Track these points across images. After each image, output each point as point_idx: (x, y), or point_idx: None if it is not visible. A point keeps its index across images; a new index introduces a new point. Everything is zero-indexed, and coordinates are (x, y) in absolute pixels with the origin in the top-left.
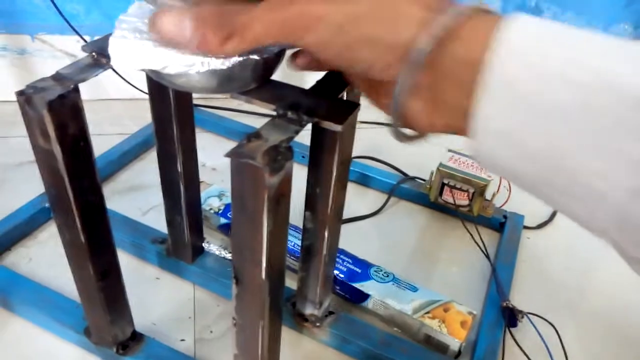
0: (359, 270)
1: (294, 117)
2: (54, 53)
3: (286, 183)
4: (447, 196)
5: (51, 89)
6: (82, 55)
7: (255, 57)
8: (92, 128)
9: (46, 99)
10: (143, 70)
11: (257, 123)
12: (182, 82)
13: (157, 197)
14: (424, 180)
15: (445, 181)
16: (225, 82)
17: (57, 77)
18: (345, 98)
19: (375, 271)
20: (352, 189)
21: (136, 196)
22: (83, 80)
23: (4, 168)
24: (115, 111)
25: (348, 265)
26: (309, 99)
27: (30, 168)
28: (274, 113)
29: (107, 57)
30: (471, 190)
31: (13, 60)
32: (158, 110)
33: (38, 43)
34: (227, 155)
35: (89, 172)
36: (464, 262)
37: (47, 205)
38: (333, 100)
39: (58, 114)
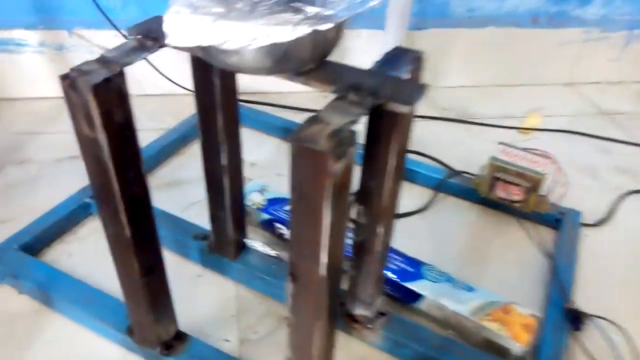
0: (411, 269)
1: (356, 98)
2: (91, 48)
3: (349, 171)
4: (499, 191)
5: (96, 72)
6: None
7: (318, 27)
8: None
9: (91, 83)
10: (200, 46)
11: (296, 117)
12: (235, 60)
13: (197, 193)
14: (472, 175)
15: (498, 175)
16: (282, 60)
17: (102, 60)
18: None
19: (428, 270)
20: None
21: (176, 192)
22: (129, 64)
23: (42, 164)
24: (151, 106)
25: (399, 263)
26: (370, 79)
27: (69, 164)
28: (312, 109)
29: (153, 39)
30: (525, 185)
31: (51, 56)
32: (202, 100)
33: (75, 38)
34: (288, 140)
35: (134, 163)
36: (519, 260)
37: (87, 200)
38: (397, 81)
39: (103, 99)
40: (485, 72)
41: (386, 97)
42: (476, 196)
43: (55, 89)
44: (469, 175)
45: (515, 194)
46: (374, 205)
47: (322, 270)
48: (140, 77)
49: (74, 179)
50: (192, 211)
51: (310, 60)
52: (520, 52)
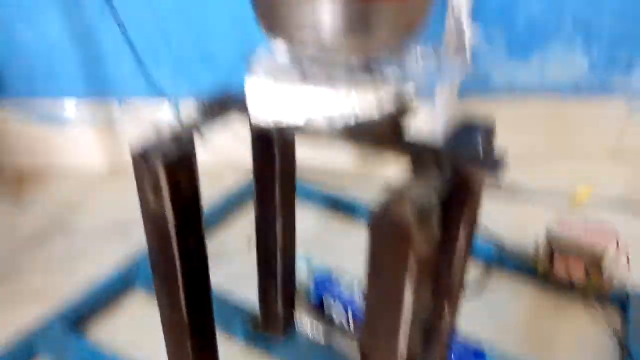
0: None
1: (434, 168)
2: (141, 118)
3: (432, 246)
4: (559, 268)
5: (168, 145)
6: (168, 120)
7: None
8: None
9: (165, 158)
10: (283, 124)
11: (333, 180)
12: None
13: (241, 266)
14: (526, 248)
15: (556, 251)
16: (363, 130)
17: (173, 131)
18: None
19: None
20: None
21: (219, 264)
22: (202, 135)
23: (86, 235)
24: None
25: (459, 351)
26: (446, 149)
27: (113, 234)
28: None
29: (224, 108)
30: (587, 261)
31: (99, 125)
32: (261, 169)
33: (125, 108)
34: (371, 216)
35: (197, 236)
36: (586, 345)
37: (131, 273)
38: (474, 151)
39: (175, 173)
40: (529, 143)
41: (466, 167)
42: (533, 272)
43: (101, 159)
44: (522, 251)
45: (576, 271)
46: (442, 282)
47: None
48: None
49: (117, 250)
50: (236, 283)
51: (390, 132)
52: (564, 123)
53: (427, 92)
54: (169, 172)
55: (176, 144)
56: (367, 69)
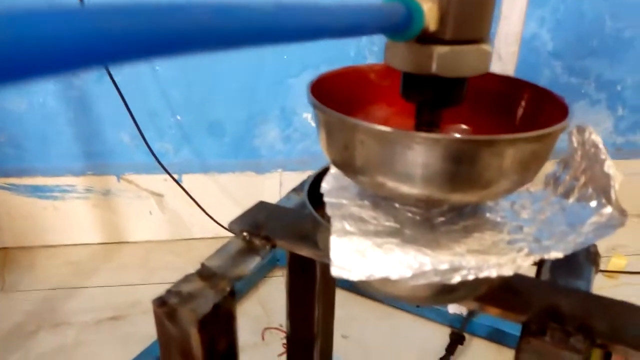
0: None
1: (561, 336)
2: (139, 193)
3: None
4: None
5: (202, 296)
6: (167, 194)
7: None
8: (177, 275)
9: (198, 314)
10: (372, 278)
11: None
12: (400, 292)
13: None
14: None
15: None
16: (457, 288)
17: (206, 275)
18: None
19: None
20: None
21: None
22: (240, 278)
23: (80, 327)
24: (198, 252)
25: None
26: (566, 298)
27: (110, 327)
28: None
29: (265, 238)
30: None
31: (96, 201)
32: (297, 287)
33: (124, 183)
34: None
35: None
36: None
37: None
38: (599, 301)
39: (210, 330)
40: None
41: (606, 336)
42: None
43: (97, 236)
44: None
45: None
46: None
47: None
48: (188, 219)
49: (114, 348)
50: None
51: (492, 282)
52: None
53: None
54: (205, 334)
55: (213, 290)
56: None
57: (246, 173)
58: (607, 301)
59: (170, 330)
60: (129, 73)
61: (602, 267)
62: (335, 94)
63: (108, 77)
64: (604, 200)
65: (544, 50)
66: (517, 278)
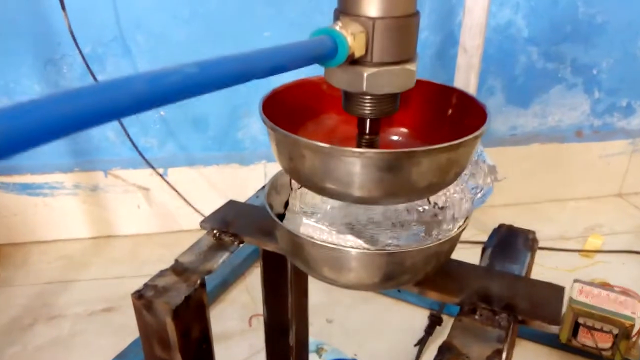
0: None
1: (488, 314)
2: (127, 187)
3: None
4: (583, 338)
5: (175, 289)
6: (154, 187)
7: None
8: (166, 267)
9: (171, 305)
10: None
11: None
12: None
13: (242, 349)
14: None
15: (581, 321)
16: (399, 273)
17: (179, 270)
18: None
19: None
20: None
21: (219, 348)
22: (210, 272)
23: (74, 319)
24: (187, 244)
25: None
26: (496, 282)
27: (103, 318)
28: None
29: (233, 234)
30: (614, 332)
31: (85, 197)
32: (271, 277)
33: (111, 178)
34: None
35: None
36: None
37: None
38: (528, 284)
39: (183, 319)
40: (532, 189)
41: (526, 313)
42: (554, 341)
43: (87, 230)
44: None
45: (602, 341)
46: None
47: None
48: (176, 212)
49: (108, 338)
50: None
51: (430, 268)
52: (566, 167)
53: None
54: (179, 323)
55: (185, 283)
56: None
57: (231, 165)
58: (532, 282)
59: (148, 320)
60: (112, 71)
61: (578, 247)
62: (289, 104)
63: (91, 77)
64: (480, 182)
65: (520, 37)
66: (456, 264)
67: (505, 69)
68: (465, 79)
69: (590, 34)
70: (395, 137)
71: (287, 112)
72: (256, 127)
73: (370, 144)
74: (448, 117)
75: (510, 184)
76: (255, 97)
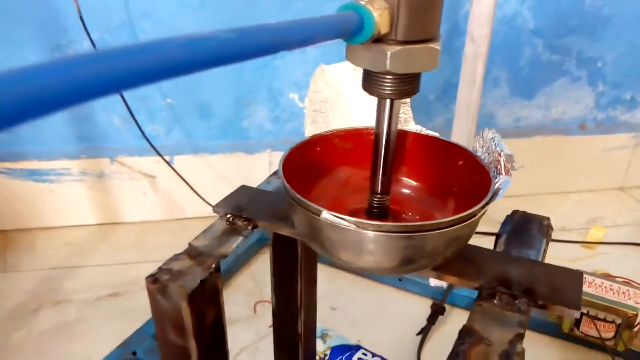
0: None
1: (508, 300)
2: (133, 175)
3: None
4: (586, 328)
5: (190, 273)
6: (160, 175)
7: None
8: (172, 254)
9: (187, 289)
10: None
11: None
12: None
13: (248, 335)
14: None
15: (584, 311)
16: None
17: (194, 254)
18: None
19: None
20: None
21: None
22: (225, 256)
23: (80, 305)
24: (193, 231)
25: None
26: (516, 267)
27: (109, 304)
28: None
29: (247, 219)
30: (617, 322)
31: (91, 184)
32: (281, 264)
33: (117, 166)
34: None
35: None
36: None
37: (130, 357)
38: (546, 270)
39: (199, 304)
40: (535, 181)
41: (546, 298)
42: (557, 331)
43: (93, 217)
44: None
45: (605, 331)
46: None
47: None
48: (181, 200)
49: (114, 323)
50: (242, 358)
51: (450, 253)
52: (569, 160)
53: None
54: (194, 308)
55: (201, 272)
56: None
57: (236, 154)
58: (551, 268)
59: (163, 304)
60: None
61: (581, 238)
62: (306, 162)
63: None
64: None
65: (526, 29)
66: (473, 250)
67: (510, 60)
68: (473, 69)
69: (597, 27)
70: (405, 191)
71: (305, 169)
72: (262, 115)
73: (382, 205)
74: (456, 176)
75: (513, 176)
76: (260, 85)
